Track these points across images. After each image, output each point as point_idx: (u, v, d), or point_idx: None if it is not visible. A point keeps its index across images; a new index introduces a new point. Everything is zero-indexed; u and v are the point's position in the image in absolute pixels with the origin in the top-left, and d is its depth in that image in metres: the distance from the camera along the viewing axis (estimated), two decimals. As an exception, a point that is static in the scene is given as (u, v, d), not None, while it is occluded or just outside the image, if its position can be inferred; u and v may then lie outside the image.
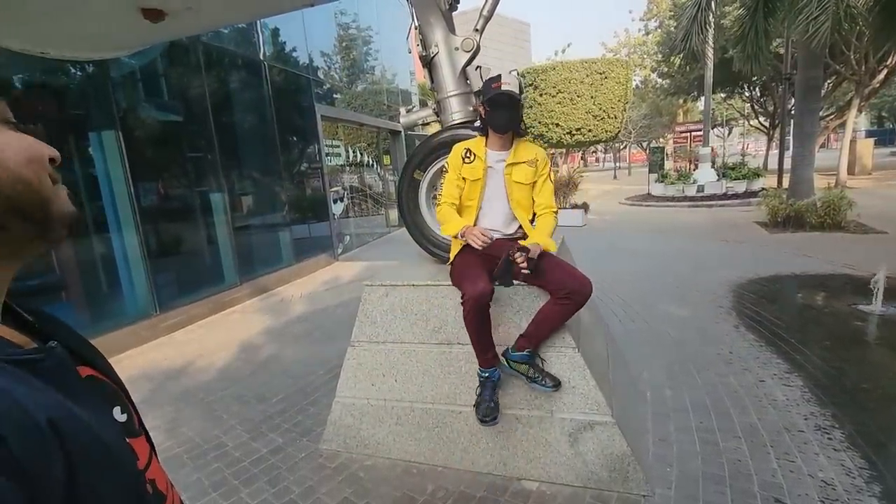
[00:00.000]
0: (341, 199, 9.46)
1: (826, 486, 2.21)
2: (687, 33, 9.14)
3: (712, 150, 20.15)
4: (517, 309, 2.35)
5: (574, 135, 16.66)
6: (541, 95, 16.43)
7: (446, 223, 2.28)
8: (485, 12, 2.73)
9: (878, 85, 14.95)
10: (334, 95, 10.42)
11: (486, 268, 2.20)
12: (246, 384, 3.82)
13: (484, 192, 2.26)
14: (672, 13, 22.75)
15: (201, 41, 5.90)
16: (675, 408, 2.98)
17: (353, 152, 10.63)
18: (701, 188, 14.36)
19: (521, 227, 2.32)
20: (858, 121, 23.87)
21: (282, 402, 3.45)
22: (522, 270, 1.97)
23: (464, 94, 2.76)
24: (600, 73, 17.91)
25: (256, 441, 2.97)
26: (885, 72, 14.30)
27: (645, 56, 33.38)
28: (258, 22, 6.93)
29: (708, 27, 9.22)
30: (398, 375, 2.57)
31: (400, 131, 12.96)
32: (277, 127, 7.44)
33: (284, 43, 8.24)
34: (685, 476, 2.34)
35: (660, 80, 29.35)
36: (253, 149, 7.35)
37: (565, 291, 2.09)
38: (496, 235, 2.30)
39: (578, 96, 16.39)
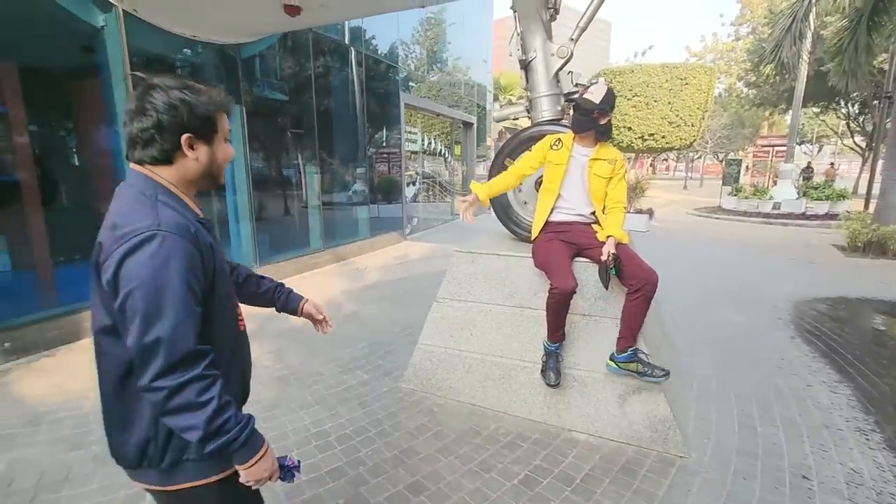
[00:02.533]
0: (413, 184, 10.06)
1: (854, 473, 2.44)
2: (778, 44, 8.90)
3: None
4: (583, 283, 2.73)
5: (646, 140, 16.34)
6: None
7: (491, 181, 2.75)
8: (581, 23, 3.09)
9: None
10: (412, 84, 10.99)
11: (569, 254, 2.61)
12: (334, 331, 4.41)
13: (565, 178, 2.64)
14: (767, 20, 21.53)
15: (311, 29, 6.59)
16: (718, 395, 3.25)
17: (428, 140, 11.18)
18: (777, 205, 13.77)
19: (594, 212, 2.69)
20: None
21: (365, 349, 4.03)
22: (609, 270, 2.42)
23: (554, 95, 3.15)
24: (681, 79, 17.33)
25: (346, 375, 3.55)
26: None
27: (732, 63, 31.73)
28: (359, 14, 7.56)
29: (803, 39, 8.92)
30: (474, 330, 3.03)
31: (472, 123, 13.39)
32: (366, 112, 8.10)
33: (377, 33, 8.87)
34: (720, 448, 2.64)
35: (746, 90, 27.87)
36: (343, 130, 8.06)
37: (636, 285, 2.42)
38: (572, 216, 2.68)
39: (655, 101, 16.05)
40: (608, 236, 2.53)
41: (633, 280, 2.44)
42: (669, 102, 16.60)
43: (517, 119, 3.46)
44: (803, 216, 13.08)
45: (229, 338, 1.13)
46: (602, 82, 2.55)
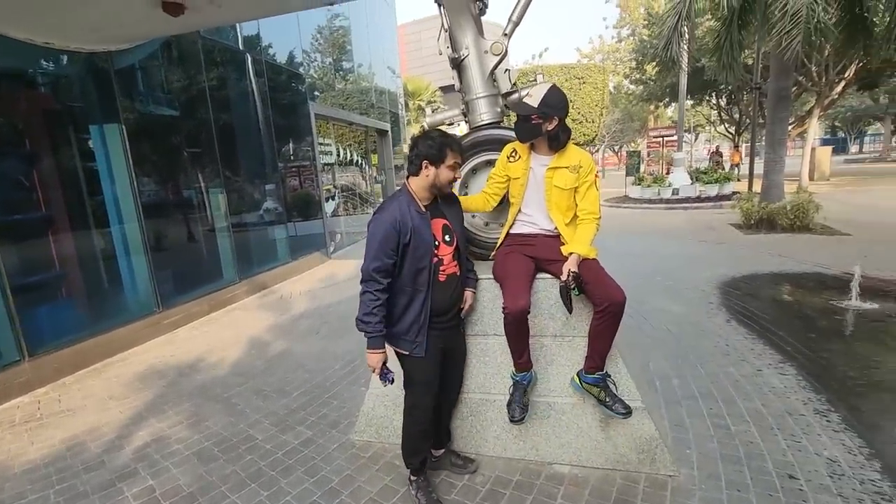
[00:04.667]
0: (333, 198, 9.43)
1: (832, 462, 2.42)
2: (668, 41, 9.53)
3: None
4: (553, 301, 2.48)
5: (554, 137, 17.05)
6: (522, 99, 16.78)
7: (467, 198, 2.55)
8: (514, 17, 2.85)
9: (836, 96, 15.81)
10: (317, 94, 10.36)
11: (528, 270, 2.32)
12: (263, 379, 3.83)
13: (525, 191, 2.37)
14: (646, 22, 23.47)
15: (200, 35, 5.81)
16: (683, 395, 3.18)
17: (344, 151, 10.59)
18: (676, 191, 14.92)
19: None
20: (815, 129, 25.27)
21: (303, 396, 3.49)
22: (571, 290, 2.16)
23: (492, 96, 2.87)
24: (579, 79, 18.45)
25: (285, 434, 3.01)
26: (843, 83, 15.16)
27: (618, 62, 34.31)
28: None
29: (685, 36, 9.66)
30: (434, 366, 2.66)
31: (387, 131, 12.97)
32: (273, 124, 7.38)
33: (276, 41, 8.17)
34: (705, 457, 2.52)
35: (632, 87, 30.22)
36: (248, 145, 7.27)
37: (602, 305, 2.18)
38: (535, 230, 2.42)
39: (559, 100, 16.76)
40: (570, 253, 2.25)
41: (597, 300, 2.20)
42: (571, 101, 17.52)
43: (452, 124, 3.16)
44: (698, 199, 14.29)
45: (411, 281, 2.04)
46: (543, 80, 2.29)
